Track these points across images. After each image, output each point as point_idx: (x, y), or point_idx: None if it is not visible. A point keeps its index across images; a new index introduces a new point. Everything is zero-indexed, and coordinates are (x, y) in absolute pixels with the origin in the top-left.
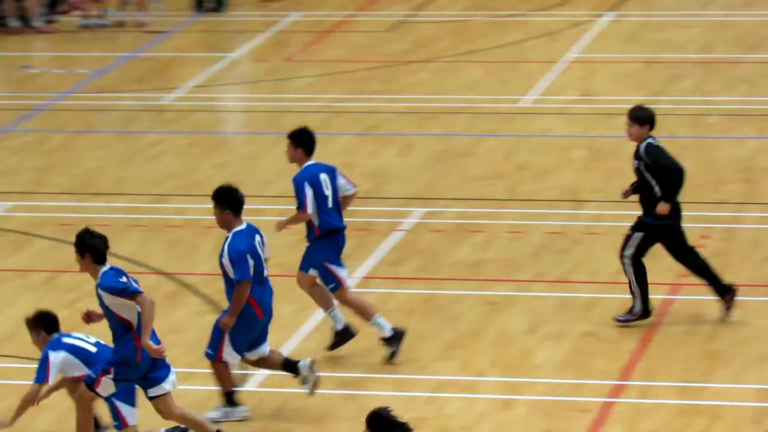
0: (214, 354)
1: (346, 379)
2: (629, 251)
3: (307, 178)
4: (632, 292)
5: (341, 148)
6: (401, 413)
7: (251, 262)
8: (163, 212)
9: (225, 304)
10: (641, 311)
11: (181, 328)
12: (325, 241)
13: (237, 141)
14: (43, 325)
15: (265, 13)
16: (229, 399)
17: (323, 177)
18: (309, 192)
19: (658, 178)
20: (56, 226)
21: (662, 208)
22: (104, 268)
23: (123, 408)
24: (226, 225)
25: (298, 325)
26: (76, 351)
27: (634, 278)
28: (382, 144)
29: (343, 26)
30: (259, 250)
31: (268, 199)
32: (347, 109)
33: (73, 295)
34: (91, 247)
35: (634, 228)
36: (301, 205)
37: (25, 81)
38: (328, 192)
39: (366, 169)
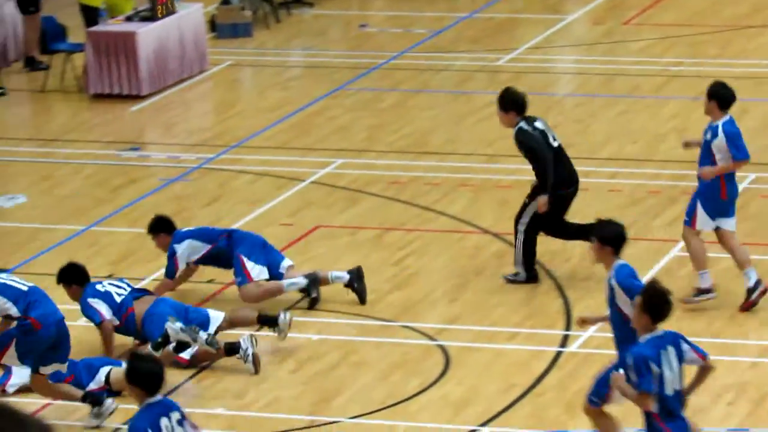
0: None
1: None
2: (525, 219)
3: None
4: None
5: (674, 112)
6: (723, 378)
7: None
8: (493, 172)
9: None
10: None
11: (507, 287)
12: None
13: (569, 103)
14: (165, 229)
15: None
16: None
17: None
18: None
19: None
20: (387, 184)
21: (541, 202)
22: None
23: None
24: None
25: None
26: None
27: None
28: None
29: None
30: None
31: (599, 162)
32: (682, 73)
33: (400, 253)
34: None
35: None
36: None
37: (362, 40)
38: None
39: (699, 134)
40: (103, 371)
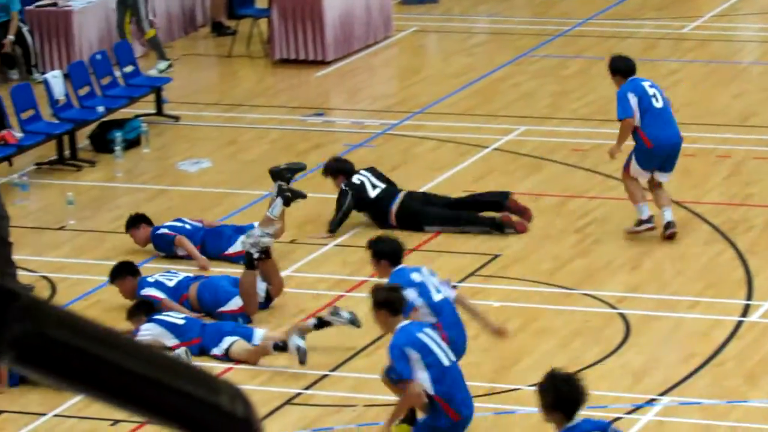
0: None
1: None
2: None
3: None
4: None
5: None
6: None
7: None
8: None
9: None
10: None
11: (688, 256)
12: None
13: (754, 72)
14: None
15: None
16: None
17: None
18: None
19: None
20: (569, 151)
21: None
22: None
23: None
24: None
25: None
26: None
27: None
28: None
29: None
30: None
31: (750, 130)
32: None
33: (582, 221)
34: None
35: None
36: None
37: (547, 6)
38: None
39: None
40: (228, 340)
